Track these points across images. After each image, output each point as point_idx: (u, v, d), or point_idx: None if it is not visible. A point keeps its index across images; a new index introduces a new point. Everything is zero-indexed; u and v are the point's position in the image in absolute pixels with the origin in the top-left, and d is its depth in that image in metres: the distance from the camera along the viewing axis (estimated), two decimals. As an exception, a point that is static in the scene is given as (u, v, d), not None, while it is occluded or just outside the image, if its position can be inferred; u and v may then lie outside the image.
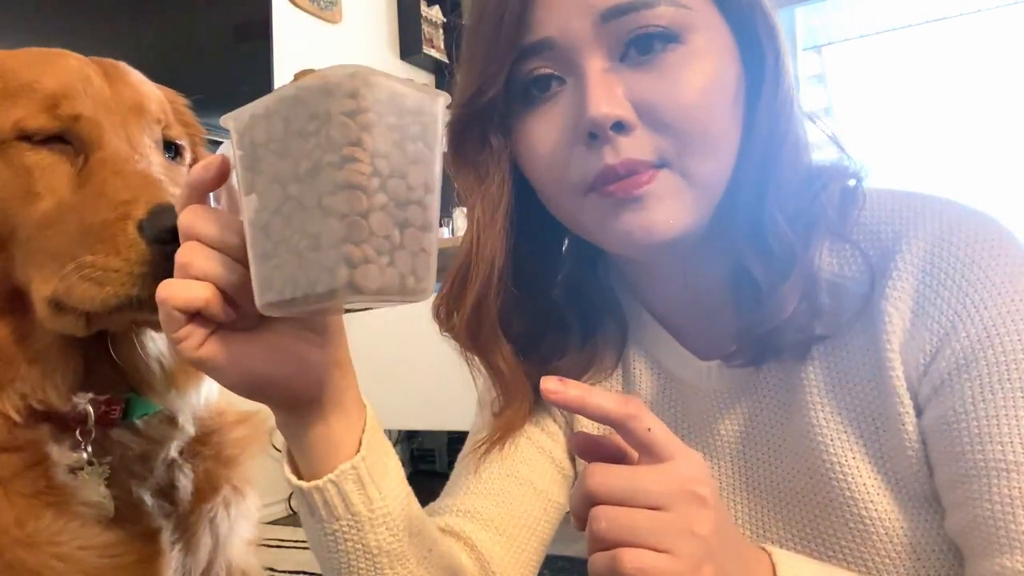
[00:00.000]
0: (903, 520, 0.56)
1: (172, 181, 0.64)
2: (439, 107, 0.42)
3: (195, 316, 0.44)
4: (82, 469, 0.67)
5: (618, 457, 0.46)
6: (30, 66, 0.67)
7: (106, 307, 0.60)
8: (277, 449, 0.63)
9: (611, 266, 0.72)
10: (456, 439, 2.87)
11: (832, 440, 0.58)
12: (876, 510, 0.57)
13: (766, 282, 0.56)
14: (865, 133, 3.25)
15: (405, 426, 2.85)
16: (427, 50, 3.40)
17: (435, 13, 3.48)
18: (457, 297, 0.64)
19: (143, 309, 0.60)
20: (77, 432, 0.67)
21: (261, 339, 0.47)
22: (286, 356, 0.48)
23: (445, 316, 0.66)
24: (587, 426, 0.70)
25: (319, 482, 0.51)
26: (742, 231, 0.57)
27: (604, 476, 0.43)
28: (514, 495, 0.68)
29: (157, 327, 0.71)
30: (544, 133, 0.58)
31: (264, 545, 2.03)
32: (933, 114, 3.14)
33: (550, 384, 0.45)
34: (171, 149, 0.74)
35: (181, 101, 0.80)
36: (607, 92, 0.54)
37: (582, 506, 0.44)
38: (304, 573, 1.93)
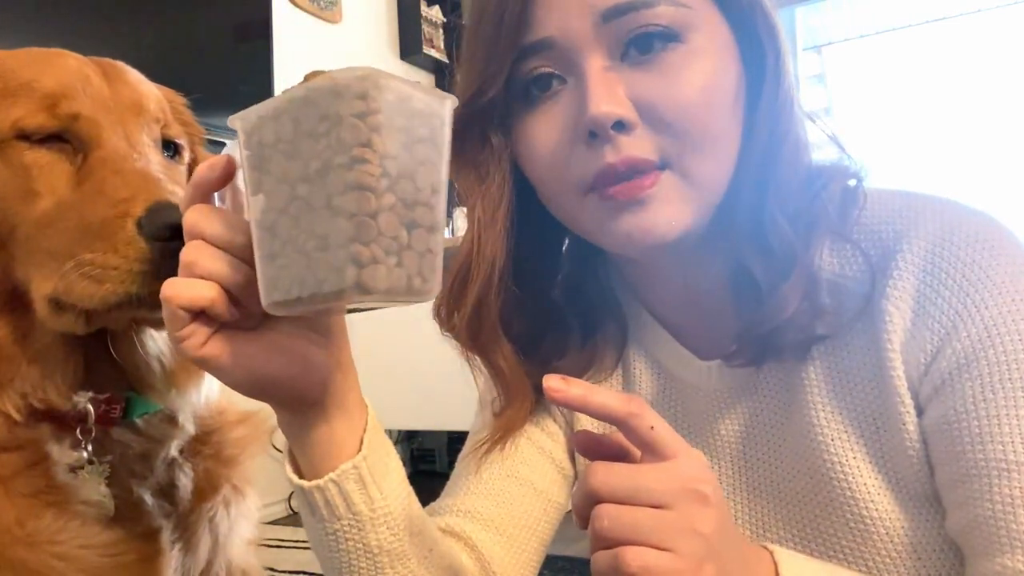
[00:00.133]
0: (904, 520, 0.56)
1: (171, 179, 0.64)
2: (447, 110, 0.42)
3: (199, 315, 0.45)
4: (82, 468, 0.67)
5: (620, 455, 0.46)
6: (29, 66, 0.67)
7: (105, 304, 0.60)
8: (277, 449, 0.63)
9: (611, 266, 0.72)
10: (456, 439, 2.87)
11: (833, 440, 0.58)
12: (877, 510, 0.56)
13: (767, 281, 0.56)
14: (865, 133, 3.25)
15: (405, 426, 2.85)
16: (427, 50, 3.40)
17: (435, 13, 3.48)
18: (458, 297, 0.64)
19: (142, 306, 0.60)
20: (77, 431, 0.67)
21: (264, 339, 0.47)
22: (289, 356, 0.48)
23: (446, 316, 0.66)
24: (588, 426, 0.70)
25: (320, 481, 0.51)
26: (743, 230, 0.57)
27: (607, 474, 0.43)
28: (514, 496, 0.68)
29: (157, 325, 0.71)
30: (544, 132, 0.58)
31: (264, 545, 2.03)
32: (933, 114, 3.14)
33: (553, 382, 0.45)
34: (170, 148, 0.74)
35: (180, 100, 0.80)
36: (608, 91, 0.53)
37: (584, 504, 0.44)
38: (304, 573, 1.93)
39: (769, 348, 0.58)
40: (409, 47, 3.41)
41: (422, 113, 0.41)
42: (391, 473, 0.54)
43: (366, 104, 0.38)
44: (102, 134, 0.66)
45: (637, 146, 0.54)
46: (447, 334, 0.67)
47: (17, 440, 0.66)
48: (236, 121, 0.43)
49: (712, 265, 0.61)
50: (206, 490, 0.78)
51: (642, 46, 0.54)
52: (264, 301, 0.42)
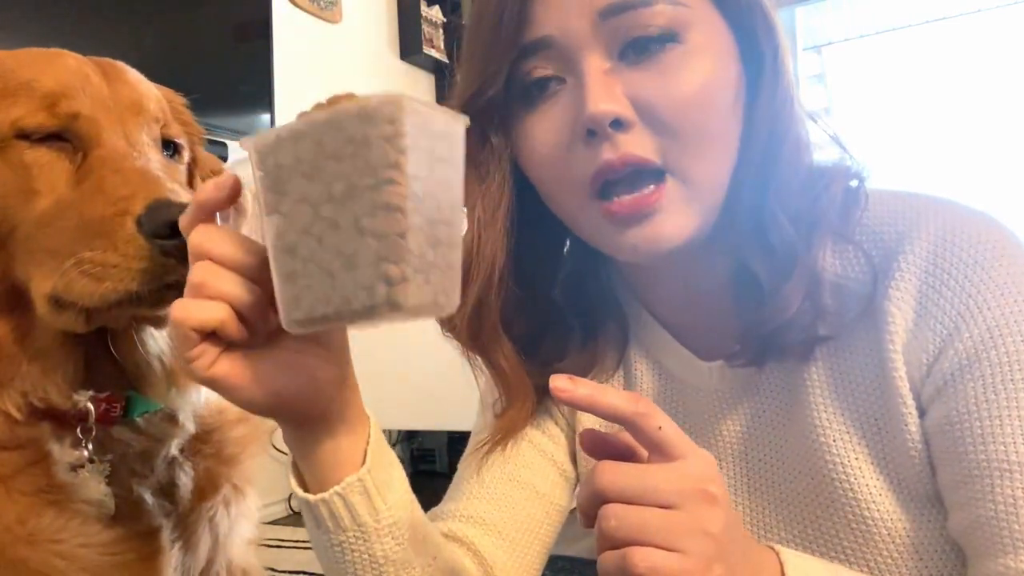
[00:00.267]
0: (906, 520, 0.56)
1: (170, 178, 0.64)
2: (462, 128, 0.43)
3: (208, 336, 0.44)
4: (83, 467, 0.67)
5: (627, 455, 0.46)
6: (29, 65, 0.67)
7: (105, 302, 0.60)
8: (277, 449, 0.63)
9: (612, 267, 0.72)
10: (456, 439, 2.87)
11: (835, 441, 0.58)
12: (878, 510, 0.56)
13: (769, 282, 0.56)
14: (865, 133, 3.25)
15: (405, 426, 2.85)
16: (427, 50, 3.40)
17: (435, 13, 3.47)
18: (458, 296, 0.64)
19: (142, 304, 0.61)
20: (78, 430, 0.67)
21: (272, 356, 0.47)
22: (296, 372, 0.48)
23: (447, 316, 0.66)
24: (591, 426, 0.69)
25: (326, 495, 0.51)
26: (744, 230, 0.57)
27: (614, 474, 0.43)
28: (516, 499, 0.68)
29: (157, 324, 0.71)
30: (544, 132, 0.58)
31: (264, 545, 2.03)
32: (933, 114, 3.14)
33: (560, 382, 0.45)
34: (169, 147, 0.74)
35: (179, 100, 0.80)
36: (606, 90, 0.54)
37: (591, 504, 0.44)
38: (304, 573, 1.93)
39: (771, 348, 0.58)
40: (409, 47, 3.40)
41: (442, 134, 0.42)
42: (395, 484, 0.54)
43: (394, 127, 0.38)
44: (102, 133, 0.66)
45: (635, 144, 0.54)
46: (448, 334, 0.67)
47: (17, 439, 0.66)
48: (248, 143, 0.43)
49: (713, 265, 0.61)
50: (206, 489, 0.78)
51: (640, 46, 0.54)
52: (284, 320, 0.42)
